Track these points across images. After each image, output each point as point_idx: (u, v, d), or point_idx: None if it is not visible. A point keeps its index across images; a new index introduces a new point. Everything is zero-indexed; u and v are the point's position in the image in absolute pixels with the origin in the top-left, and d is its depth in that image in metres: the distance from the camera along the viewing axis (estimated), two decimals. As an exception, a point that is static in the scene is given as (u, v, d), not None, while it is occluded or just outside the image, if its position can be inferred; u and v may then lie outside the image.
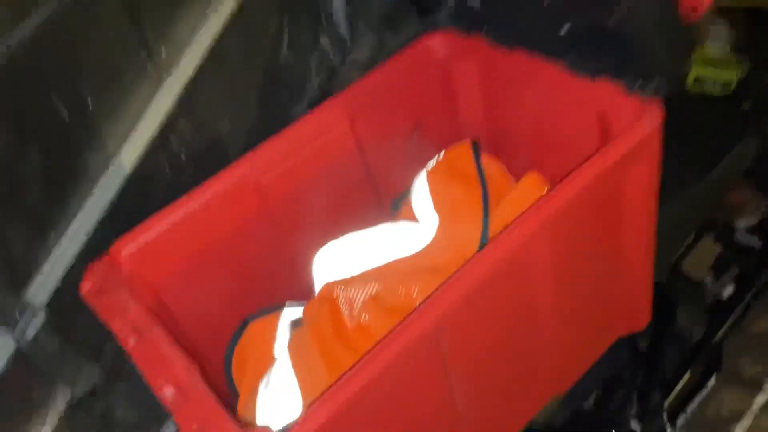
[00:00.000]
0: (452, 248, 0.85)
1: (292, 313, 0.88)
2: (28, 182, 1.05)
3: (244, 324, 0.86)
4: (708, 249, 1.59)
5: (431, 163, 0.92)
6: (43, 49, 1.12)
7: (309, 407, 0.53)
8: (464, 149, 0.91)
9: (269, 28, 1.93)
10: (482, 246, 0.84)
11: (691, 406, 1.40)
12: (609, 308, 0.85)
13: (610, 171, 0.67)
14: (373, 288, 0.82)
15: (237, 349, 0.86)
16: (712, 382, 1.43)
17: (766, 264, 1.50)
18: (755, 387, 1.58)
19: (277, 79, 1.98)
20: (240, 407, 0.84)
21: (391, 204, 0.95)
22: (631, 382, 1.24)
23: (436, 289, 0.60)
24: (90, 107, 1.29)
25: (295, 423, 0.52)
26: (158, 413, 1.14)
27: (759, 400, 1.57)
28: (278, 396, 0.80)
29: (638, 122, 0.67)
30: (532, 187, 0.87)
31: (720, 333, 1.42)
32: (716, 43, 1.72)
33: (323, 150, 0.82)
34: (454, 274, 0.60)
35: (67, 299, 0.97)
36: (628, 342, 1.25)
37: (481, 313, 0.65)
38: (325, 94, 2.20)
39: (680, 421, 1.37)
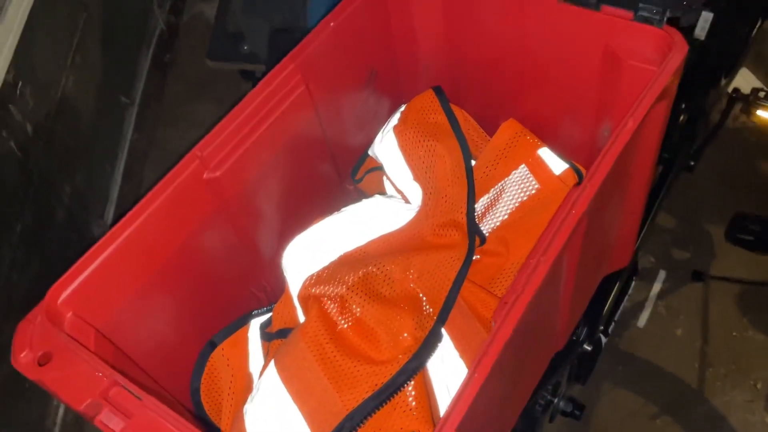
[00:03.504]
0: (439, 216, 0.74)
1: (260, 321, 0.74)
2: None
3: (210, 347, 0.71)
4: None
5: (395, 119, 0.79)
6: None
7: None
8: (429, 98, 0.79)
9: (100, -41, 1.62)
10: (470, 205, 0.74)
11: (618, 314, 1.44)
12: (606, 254, 0.80)
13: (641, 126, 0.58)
14: (358, 273, 0.70)
15: (205, 375, 0.71)
16: (631, 288, 1.48)
17: (665, 164, 1.55)
18: (651, 278, 1.68)
19: (118, 20, 1.70)
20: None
21: (351, 172, 0.81)
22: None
23: (500, 310, 0.49)
24: None
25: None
26: None
27: (655, 288, 1.67)
28: (270, 413, 0.67)
29: (665, 61, 0.59)
30: (512, 135, 0.78)
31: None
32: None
33: (281, 123, 0.66)
34: (511, 292, 0.50)
35: None
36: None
37: (533, 312, 0.55)
38: (173, 30, 1.94)
39: (610, 328, 1.42)
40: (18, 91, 1.27)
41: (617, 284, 1.38)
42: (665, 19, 0.62)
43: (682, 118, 1.42)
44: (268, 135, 0.65)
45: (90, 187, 1.53)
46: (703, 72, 1.41)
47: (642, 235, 1.43)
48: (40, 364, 0.51)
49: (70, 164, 1.45)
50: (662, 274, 1.67)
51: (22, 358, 0.51)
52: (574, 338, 1.22)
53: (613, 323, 1.43)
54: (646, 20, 0.62)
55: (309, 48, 0.68)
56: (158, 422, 0.47)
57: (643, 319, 1.62)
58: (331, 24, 0.69)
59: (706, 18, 1.22)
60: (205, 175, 0.62)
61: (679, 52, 0.60)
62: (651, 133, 0.65)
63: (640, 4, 0.61)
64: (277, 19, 1.60)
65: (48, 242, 1.33)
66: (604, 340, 1.39)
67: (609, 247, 0.80)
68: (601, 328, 1.36)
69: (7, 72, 1.22)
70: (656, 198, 1.45)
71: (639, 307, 1.64)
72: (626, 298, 1.49)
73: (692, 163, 1.48)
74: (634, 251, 1.46)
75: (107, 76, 1.62)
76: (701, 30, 1.24)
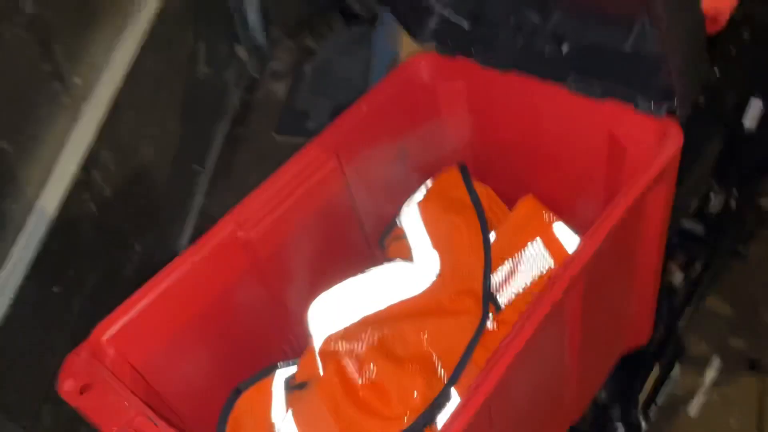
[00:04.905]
0: (456, 283, 0.79)
1: (284, 374, 0.80)
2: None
3: (236, 394, 0.77)
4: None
5: (420, 193, 0.86)
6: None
7: None
8: (453, 175, 0.86)
9: (185, 43, 1.80)
10: (486, 274, 0.79)
11: (660, 397, 1.42)
12: (620, 329, 0.82)
13: (636, 204, 0.63)
14: (375, 335, 0.76)
15: (230, 421, 0.77)
16: (676, 371, 1.45)
17: (711, 248, 1.54)
18: (704, 364, 1.63)
19: (197, 96, 1.86)
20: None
21: (379, 240, 0.88)
22: (610, 386, 1.24)
23: (485, 368, 0.54)
24: (5, 152, 1.15)
25: None
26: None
27: (709, 375, 1.62)
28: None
29: (660, 149, 0.64)
30: (529, 210, 0.83)
31: (681, 324, 1.44)
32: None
33: (312, 193, 0.74)
34: (499, 350, 0.55)
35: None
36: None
37: (524, 375, 0.59)
38: (246, 107, 2.10)
39: (651, 412, 1.39)
40: (101, 158, 1.42)
41: (655, 365, 1.37)
42: (663, 111, 0.67)
43: (732, 203, 1.43)
44: (299, 203, 0.73)
45: (159, 247, 1.65)
46: (754, 159, 1.42)
47: (684, 318, 1.43)
48: (80, 393, 0.59)
49: (143, 225, 1.58)
50: (716, 362, 1.62)
51: (66, 387, 0.59)
52: (608, 418, 1.22)
53: (653, 405, 1.41)
54: (644, 110, 0.67)
55: (342, 128, 0.76)
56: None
57: (695, 408, 1.58)
58: (364, 108, 0.77)
59: (755, 107, 1.25)
60: (240, 235, 0.70)
61: (673, 143, 0.65)
62: (652, 215, 0.69)
63: (639, 99, 0.67)
64: (340, 99, 1.72)
65: (115, 296, 1.43)
66: (644, 425, 1.37)
67: (622, 324, 0.82)
68: (640, 409, 1.34)
69: (93, 141, 1.37)
70: (699, 282, 1.45)
71: (691, 394, 1.60)
72: (672, 382, 1.47)
73: (741, 250, 1.47)
74: (676, 333, 1.45)
75: (183, 145, 1.77)
76: (752, 120, 1.27)
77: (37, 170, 1.26)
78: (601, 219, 0.60)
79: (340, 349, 0.75)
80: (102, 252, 1.40)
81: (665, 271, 1.63)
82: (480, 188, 0.86)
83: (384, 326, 0.77)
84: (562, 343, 0.66)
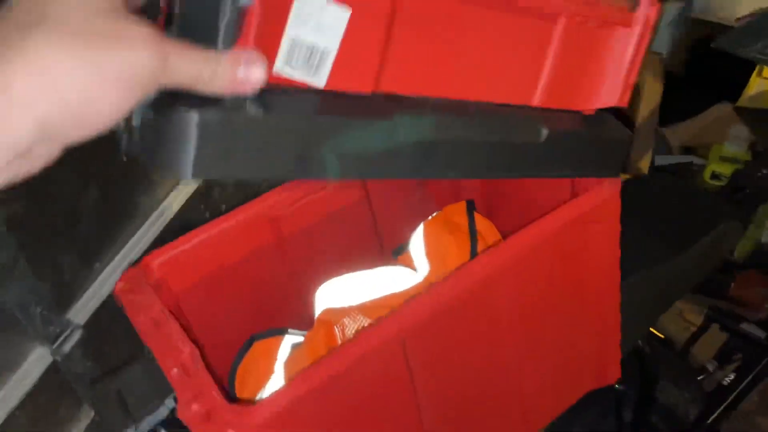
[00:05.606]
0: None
1: (293, 338, 1.00)
2: (84, 216, 1.19)
3: (250, 342, 0.98)
4: (714, 337, 1.66)
5: (430, 217, 1.04)
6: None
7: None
8: (460, 207, 1.03)
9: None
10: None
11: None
12: (578, 358, 0.94)
13: (572, 223, 0.78)
14: (363, 318, 0.93)
15: (242, 364, 0.97)
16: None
17: (769, 355, 1.54)
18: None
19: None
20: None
21: (392, 253, 1.07)
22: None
23: (404, 303, 0.71)
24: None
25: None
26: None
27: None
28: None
29: (598, 187, 0.79)
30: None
31: (714, 415, 1.46)
32: (736, 142, 1.84)
33: (334, 196, 0.95)
34: (423, 293, 0.71)
35: (103, 322, 1.09)
36: (615, 413, 1.31)
37: (447, 332, 0.75)
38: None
39: None
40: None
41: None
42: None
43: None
44: (320, 201, 0.95)
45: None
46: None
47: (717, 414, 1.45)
48: (126, 293, 0.82)
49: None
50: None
51: (118, 288, 0.83)
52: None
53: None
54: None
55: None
56: (172, 336, 0.74)
57: None
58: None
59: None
60: (268, 213, 0.92)
61: (607, 189, 0.79)
62: (598, 253, 0.83)
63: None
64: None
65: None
66: None
67: (584, 355, 0.94)
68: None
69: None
70: (746, 381, 1.47)
71: None
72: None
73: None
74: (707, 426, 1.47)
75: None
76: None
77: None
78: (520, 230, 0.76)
79: (334, 320, 0.93)
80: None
81: (721, 371, 1.65)
82: (482, 221, 1.02)
83: (372, 311, 0.94)
84: (493, 333, 0.80)
